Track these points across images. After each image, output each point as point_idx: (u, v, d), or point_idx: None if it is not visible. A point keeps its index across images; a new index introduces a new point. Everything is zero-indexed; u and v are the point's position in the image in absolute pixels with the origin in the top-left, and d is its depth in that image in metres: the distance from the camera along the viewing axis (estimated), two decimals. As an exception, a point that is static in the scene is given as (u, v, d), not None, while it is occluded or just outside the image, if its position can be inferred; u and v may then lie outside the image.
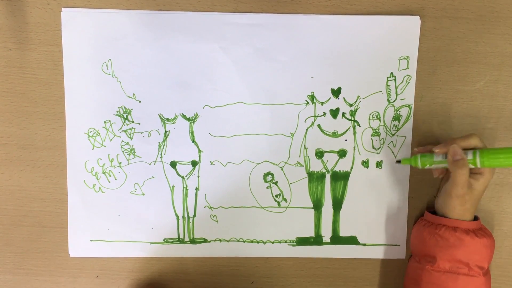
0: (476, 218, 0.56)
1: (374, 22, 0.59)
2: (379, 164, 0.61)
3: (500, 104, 0.61)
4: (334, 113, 0.60)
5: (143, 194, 0.61)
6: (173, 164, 0.61)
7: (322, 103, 0.60)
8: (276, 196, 0.61)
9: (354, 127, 0.61)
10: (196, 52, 0.59)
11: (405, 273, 0.60)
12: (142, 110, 0.60)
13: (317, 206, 0.61)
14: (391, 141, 0.61)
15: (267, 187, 0.61)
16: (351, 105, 0.60)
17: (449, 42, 0.60)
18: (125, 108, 0.60)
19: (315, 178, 0.61)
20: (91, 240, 0.61)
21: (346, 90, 0.60)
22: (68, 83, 0.59)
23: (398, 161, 0.58)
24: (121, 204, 0.61)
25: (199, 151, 0.60)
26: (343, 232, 0.62)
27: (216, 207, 0.61)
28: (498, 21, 0.59)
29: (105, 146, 0.60)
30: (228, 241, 0.62)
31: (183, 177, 0.61)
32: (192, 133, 0.60)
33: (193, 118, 0.60)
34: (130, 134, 0.60)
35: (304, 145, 0.61)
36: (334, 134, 0.61)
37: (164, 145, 0.60)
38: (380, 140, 0.61)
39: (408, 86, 0.60)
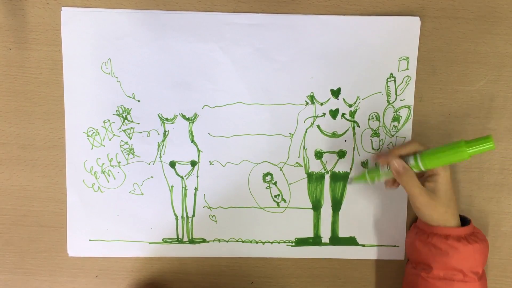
0: (468, 221, 0.55)
1: (374, 23, 0.59)
2: (378, 165, 0.61)
3: (500, 104, 0.60)
4: (334, 113, 0.60)
5: (142, 194, 0.61)
6: (172, 164, 0.61)
7: (321, 104, 0.60)
8: (275, 196, 0.61)
9: (353, 128, 0.60)
10: (196, 52, 0.59)
11: (403, 277, 0.60)
12: (141, 110, 0.60)
13: (316, 206, 0.61)
14: (391, 142, 0.61)
15: (266, 188, 0.61)
16: (350, 106, 0.60)
17: (449, 42, 0.60)
18: (124, 107, 0.60)
19: (314, 179, 0.61)
20: (90, 240, 0.61)
21: (345, 91, 0.60)
22: (67, 82, 0.59)
23: (350, 180, 0.60)
24: (120, 203, 0.61)
25: (198, 151, 0.60)
26: (342, 233, 0.62)
27: (215, 207, 0.61)
28: (498, 21, 0.59)
29: (104, 146, 0.60)
30: (227, 241, 0.62)
31: (182, 177, 0.61)
32: (191, 133, 0.60)
33: (193, 118, 0.60)
34: (129, 134, 0.60)
35: (304, 146, 0.61)
36: (334, 135, 0.61)
37: (163, 145, 0.60)
38: (379, 141, 0.61)
39: (407, 87, 0.60)
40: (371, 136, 0.61)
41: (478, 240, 0.54)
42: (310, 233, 0.62)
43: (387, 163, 0.55)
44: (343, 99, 0.60)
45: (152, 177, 0.61)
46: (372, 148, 0.61)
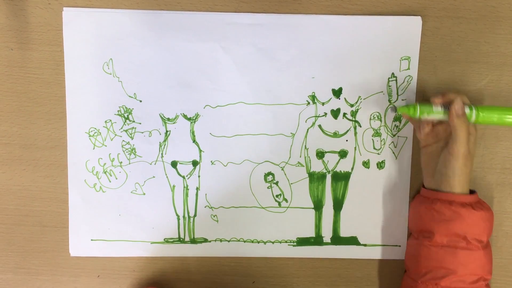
0: (473, 193, 0.55)
1: (376, 22, 0.59)
2: (380, 165, 0.61)
3: (501, 104, 0.60)
4: (335, 113, 0.60)
5: (144, 194, 0.61)
6: (174, 164, 0.61)
7: (323, 103, 0.60)
8: (277, 196, 0.61)
9: (355, 128, 0.60)
10: (197, 51, 0.59)
11: (405, 253, 0.59)
12: (143, 110, 0.60)
13: (318, 206, 0.61)
14: (392, 142, 0.61)
15: (267, 187, 0.61)
16: (352, 106, 0.60)
17: (451, 42, 0.60)
18: (126, 107, 0.60)
19: (315, 179, 0.61)
20: (91, 240, 0.61)
21: (347, 91, 0.60)
22: (69, 82, 0.59)
23: (394, 108, 0.57)
24: (121, 203, 0.61)
25: (200, 151, 0.60)
26: (344, 233, 0.62)
27: (216, 207, 0.61)
28: (500, 21, 0.59)
29: (106, 146, 0.60)
30: (229, 241, 0.62)
31: (183, 177, 0.61)
32: (193, 133, 0.60)
33: (194, 118, 0.60)
34: (131, 134, 0.60)
35: (305, 145, 0.61)
36: (335, 135, 0.61)
37: (165, 144, 0.60)
38: (381, 141, 0.61)
39: (409, 87, 0.60)
40: (372, 136, 0.61)
41: (483, 208, 0.54)
42: (311, 233, 0.62)
43: (447, 102, 0.54)
44: (345, 98, 0.60)
45: (153, 177, 0.61)
46: (374, 148, 0.61)
